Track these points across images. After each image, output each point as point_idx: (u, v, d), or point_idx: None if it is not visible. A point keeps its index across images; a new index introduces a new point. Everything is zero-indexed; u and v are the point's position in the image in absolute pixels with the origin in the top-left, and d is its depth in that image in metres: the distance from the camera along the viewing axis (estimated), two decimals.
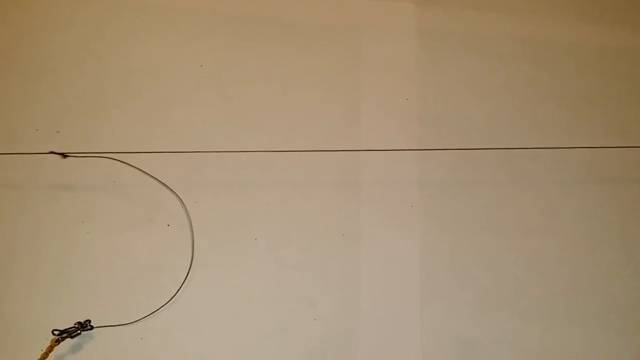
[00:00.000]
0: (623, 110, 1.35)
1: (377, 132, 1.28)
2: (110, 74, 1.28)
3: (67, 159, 1.11)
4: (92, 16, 1.34)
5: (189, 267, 1.09)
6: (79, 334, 1.01)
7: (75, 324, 1.01)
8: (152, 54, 1.31)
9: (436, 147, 1.24)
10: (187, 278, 1.08)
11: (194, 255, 1.10)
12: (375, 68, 1.35)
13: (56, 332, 0.99)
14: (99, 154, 1.13)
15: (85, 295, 1.07)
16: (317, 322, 1.08)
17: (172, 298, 1.06)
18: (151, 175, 1.14)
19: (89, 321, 1.02)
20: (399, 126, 1.29)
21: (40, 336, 1.01)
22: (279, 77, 1.32)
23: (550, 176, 1.26)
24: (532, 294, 1.15)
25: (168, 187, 1.15)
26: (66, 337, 1.00)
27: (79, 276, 1.08)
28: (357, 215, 1.18)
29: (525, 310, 1.13)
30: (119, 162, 1.13)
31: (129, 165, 1.13)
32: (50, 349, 0.98)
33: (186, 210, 1.14)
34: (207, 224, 1.14)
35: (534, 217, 1.22)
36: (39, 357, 0.97)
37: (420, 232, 1.18)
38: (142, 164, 1.15)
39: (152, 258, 1.11)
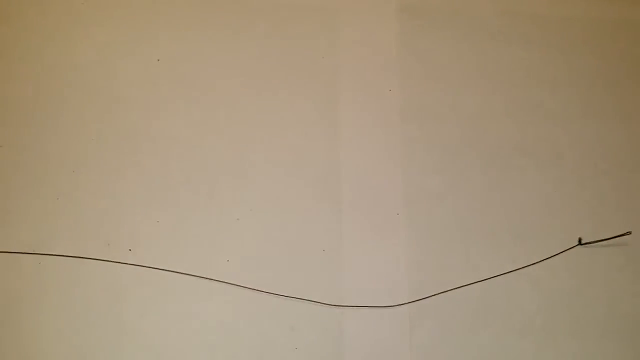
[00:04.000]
0: (624, 92, 1.25)
1: (358, 129, 1.16)
2: (55, 73, 1.13)
3: None
4: (32, 5, 1.18)
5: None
6: None
7: None
8: (102, 48, 1.16)
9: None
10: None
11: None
12: (353, 56, 1.22)
13: None
14: None
15: None
16: (298, 351, 0.99)
17: None
18: None
19: None
20: (382, 122, 1.17)
21: None
22: (246, 69, 1.19)
23: (544, 173, 1.17)
24: (527, 305, 1.07)
25: None
26: None
27: None
28: (338, 227, 1.08)
29: (520, 323, 1.05)
30: None
31: None
32: None
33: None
34: (172, 245, 1.03)
35: (526, 221, 1.12)
36: None
37: (406, 242, 1.08)
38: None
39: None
